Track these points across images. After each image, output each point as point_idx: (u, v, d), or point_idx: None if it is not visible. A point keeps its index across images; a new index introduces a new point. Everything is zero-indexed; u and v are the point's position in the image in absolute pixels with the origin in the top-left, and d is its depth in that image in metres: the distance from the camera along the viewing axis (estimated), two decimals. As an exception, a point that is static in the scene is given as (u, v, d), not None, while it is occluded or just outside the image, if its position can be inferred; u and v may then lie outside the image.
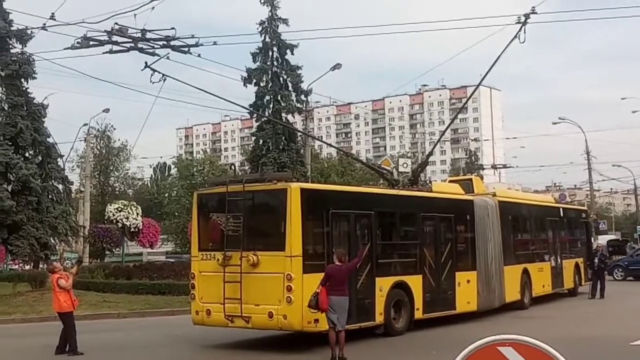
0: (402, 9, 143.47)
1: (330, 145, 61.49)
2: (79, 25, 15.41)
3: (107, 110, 45.81)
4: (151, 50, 15.20)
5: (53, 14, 16.38)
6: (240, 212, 13.24)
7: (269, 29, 35.22)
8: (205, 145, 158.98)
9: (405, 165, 26.55)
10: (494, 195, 19.44)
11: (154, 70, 14.98)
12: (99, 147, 57.72)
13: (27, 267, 32.28)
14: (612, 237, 54.21)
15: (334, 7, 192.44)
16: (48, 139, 26.25)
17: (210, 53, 16.59)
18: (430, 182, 29.41)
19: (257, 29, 35.27)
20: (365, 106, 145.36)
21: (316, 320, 12.24)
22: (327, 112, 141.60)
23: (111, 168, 59.34)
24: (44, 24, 17.03)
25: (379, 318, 13.96)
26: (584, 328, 15.93)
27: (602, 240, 41.13)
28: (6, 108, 25.32)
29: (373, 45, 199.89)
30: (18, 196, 24.19)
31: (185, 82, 16.23)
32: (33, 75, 25.45)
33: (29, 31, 24.16)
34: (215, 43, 15.95)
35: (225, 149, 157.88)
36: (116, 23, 14.70)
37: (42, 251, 25.18)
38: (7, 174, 24.15)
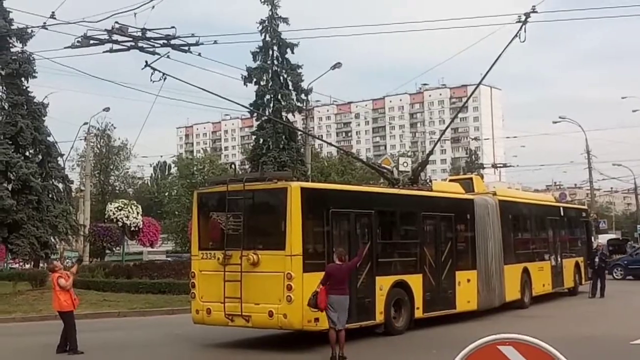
0: (402, 9, 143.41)
1: (330, 144, 61.45)
2: (79, 24, 15.47)
3: (107, 109, 45.93)
4: (151, 49, 15.19)
5: (53, 12, 16.40)
6: (240, 211, 13.24)
7: (269, 28, 35.19)
8: (206, 144, 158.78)
9: (405, 164, 26.46)
10: (494, 194, 19.45)
11: (154, 69, 14.98)
12: (99, 146, 57.77)
13: (27, 266, 32.32)
14: (613, 236, 54.18)
15: (334, 6, 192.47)
16: (48, 138, 26.25)
17: (210, 52, 16.56)
18: (431, 181, 29.45)
19: (258, 28, 35.26)
20: (366, 105, 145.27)
21: (316, 319, 12.23)
22: (328, 111, 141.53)
23: (111, 167, 59.37)
24: (44, 23, 17.01)
25: (379, 317, 13.96)
26: (584, 327, 15.94)
27: (603, 239, 41.16)
28: (6, 107, 25.33)
29: (373, 44, 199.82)
30: (18, 195, 24.19)
31: (186, 81, 16.26)
32: (33, 74, 25.42)
33: (29, 30, 24.15)
34: (215, 42, 15.96)
35: (226, 148, 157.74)
36: (116, 22, 14.71)
37: (42, 250, 25.18)
38: (7, 173, 24.15)
